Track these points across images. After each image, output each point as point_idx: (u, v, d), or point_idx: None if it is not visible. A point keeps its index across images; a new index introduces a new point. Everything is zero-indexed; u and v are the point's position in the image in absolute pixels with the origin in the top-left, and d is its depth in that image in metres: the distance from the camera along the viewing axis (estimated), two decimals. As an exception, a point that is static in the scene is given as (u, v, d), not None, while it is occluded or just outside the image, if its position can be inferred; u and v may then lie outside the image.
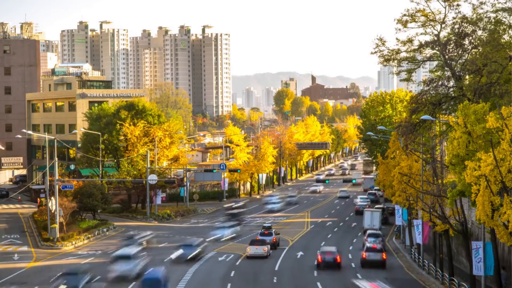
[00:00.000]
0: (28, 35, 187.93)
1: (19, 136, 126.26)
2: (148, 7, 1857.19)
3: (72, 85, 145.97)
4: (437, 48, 61.73)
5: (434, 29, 62.13)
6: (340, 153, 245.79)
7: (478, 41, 59.44)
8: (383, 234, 78.62)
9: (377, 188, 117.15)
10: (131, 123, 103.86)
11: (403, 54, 64.03)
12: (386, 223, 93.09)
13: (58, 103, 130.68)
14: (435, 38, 61.85)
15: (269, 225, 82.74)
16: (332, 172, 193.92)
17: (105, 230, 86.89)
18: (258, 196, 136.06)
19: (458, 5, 60.73)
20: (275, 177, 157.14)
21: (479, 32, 60.13)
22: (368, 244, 64.76)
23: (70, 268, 53.68)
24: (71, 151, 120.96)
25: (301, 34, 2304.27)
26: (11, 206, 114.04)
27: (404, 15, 61.90)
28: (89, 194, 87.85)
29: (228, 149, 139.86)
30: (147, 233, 76.54)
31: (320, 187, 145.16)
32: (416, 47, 63.19)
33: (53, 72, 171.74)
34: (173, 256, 64.09)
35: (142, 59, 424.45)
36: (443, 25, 61.73)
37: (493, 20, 58.35)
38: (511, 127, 36.81)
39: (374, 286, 48.19)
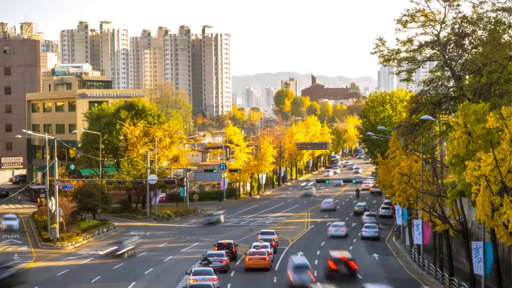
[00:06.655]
0: (28, 35, 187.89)
1: (19, 136, 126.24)
2: (148, 7, 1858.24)
3: (72, 85, 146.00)
4: (437, 48, 61.69)
5: (434, 29, 62.10)
6: (340, 153, 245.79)
7: (478, 41, 59.39)
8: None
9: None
10: (131, 123, 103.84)
11: (403, 54, 63.99)
12: None
13: (58, 103, 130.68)
14: (435, 38, 61.82)
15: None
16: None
17: (105, 230, 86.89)
18: (258, 196, 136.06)
19: (458, 5, 60.67)
20: (275, 177, 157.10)
21: (479, 32, 60.08)
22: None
23: None
24: (71, 151, 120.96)
25: (301, 34, 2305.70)
26: (11, 206, 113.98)
27: (404, 15, 61.86)
28: (89, 194, 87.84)
29: (228, 149, 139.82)
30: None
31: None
32: (416, 47, 63.13)
33: (53, 72, 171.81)
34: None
35: (142, 59, 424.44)
36: (443, 25, 61.69)
37: (493, 20, 58.31)
38: (511, 127, 36.80)
39: None
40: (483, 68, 53.71)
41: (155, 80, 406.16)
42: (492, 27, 57.79)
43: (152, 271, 59.03)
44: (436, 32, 61.92)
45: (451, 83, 60.51)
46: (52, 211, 78.75)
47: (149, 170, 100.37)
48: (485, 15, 59.37)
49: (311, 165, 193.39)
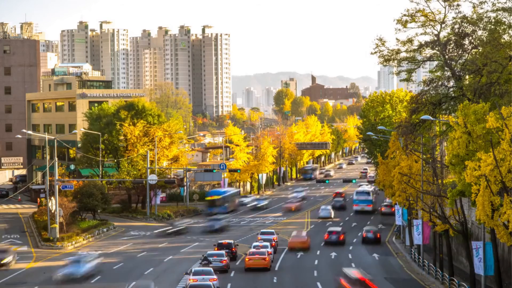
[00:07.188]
0: (28, 35, 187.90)
1: (19, 136, 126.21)
2: (148, 7, 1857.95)
3: (72, 85, 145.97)
4: (437, 48, 61.68)
5: (434, 29, 62.10)
6: (340, 153, 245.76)
7: (478, 41, 59.38)
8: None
9: None
10: (131, 123, 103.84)
11: (403, 54, 63.97)
12: None
13: (58, 103, 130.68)
14: (435, 38, 61.81)
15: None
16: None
17: (105, 230, 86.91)
18: (258, 196, 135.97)
19: (458, 5, 60.67)
20: (275, 177, 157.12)
21: (479, 32, 60.08)
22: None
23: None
24: (71, 151, 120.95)
25: (301, 34, 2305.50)
26: (11, 206, 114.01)
27: (404, 15, 61.86)
28: (89, 194, 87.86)
29: (228, 149, 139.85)
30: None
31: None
32: (416, 47, 63.12)
33: (53, 72, 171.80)
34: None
35: (142, 59, 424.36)
36: (443, 25, 61.68)
37: (493, 20, 58.30)
38: (511, 127, 36.80)
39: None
40: (483, 68, 53.69)
41: (155, 80, 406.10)
42: (492, 27, 57.78)
43: (152, 271, 59.05)
44: (436, 32, 61.93)
45: (451, 83, 60.49)
46: (52, 211, 78.77)
47: (149, 170, 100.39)
48: (485, 15, 59.38)
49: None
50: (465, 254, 52.79)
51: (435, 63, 64.74)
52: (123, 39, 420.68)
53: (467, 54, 60.32)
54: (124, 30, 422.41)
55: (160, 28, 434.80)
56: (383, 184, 77.91)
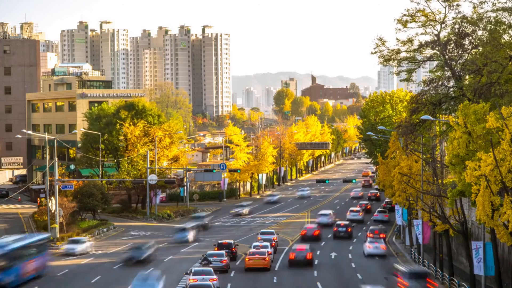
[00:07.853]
0: (28, 35, 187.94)
1: (19, 136, 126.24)
2: (148, 7, 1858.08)
3: (72, 85, 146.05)
4: (437, 48, 61.67)
5: (434, 29, 62.09)
6: (340, 153, 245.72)
7: (478, 41, 59.37)
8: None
9: None
10: (131, 123, 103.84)
11: (403, 54, 63.96)
12: None
13: (58, 103, 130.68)
14: (435, 38, 61.81)
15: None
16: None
17: (105, 230, 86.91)
18: (258, 196, 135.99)
19: (458, 5, 60.68)
20: (275, 177, 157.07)
21: (479, 32, 60.07)
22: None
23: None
24: (71, 151, 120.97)
25: (301, 34, 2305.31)
26: (11, 206, 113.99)
27: (404, 15, 61.86)
28: (89, 194, 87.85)
29: (228, 149, 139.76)
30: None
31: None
32: (416, 47, 63.11)
33: (53, 72, 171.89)
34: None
35: (142, 59, 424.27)
36: (443, 25, 61.68)
37: (493, 20, 58.29)
38: (511, 127, 36.80)
39: None
40: (483, 68, 53.68)
41: (155, 80, 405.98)
42: (492, 27, 57.75)
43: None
44: (436, 32, 61.92)
45: (451, 83, 60.48)
46: (52, 211, 78.78)
47: (149, 170, 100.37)
48: (485, 15, 59.36)
49: (311, 165, 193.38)
50: (465, 254, 52.77)
51: (435, 63, 64.73)
52: (123, 39, 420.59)
53: (467, 54, 60.30)
54: (124, 30, 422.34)
55: (160, 28, 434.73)
56: (383, 184, 77.88)
